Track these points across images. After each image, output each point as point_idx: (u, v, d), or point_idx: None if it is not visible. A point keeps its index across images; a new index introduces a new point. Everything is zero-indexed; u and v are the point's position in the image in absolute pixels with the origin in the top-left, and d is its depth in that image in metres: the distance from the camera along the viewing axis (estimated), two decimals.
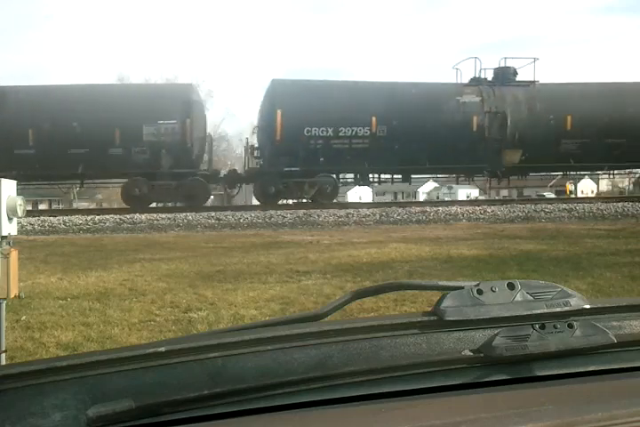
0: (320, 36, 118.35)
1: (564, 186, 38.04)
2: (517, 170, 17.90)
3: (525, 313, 0.81)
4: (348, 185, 19.77)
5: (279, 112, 15.96)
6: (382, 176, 18.29)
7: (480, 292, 0.82)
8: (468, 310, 0.80)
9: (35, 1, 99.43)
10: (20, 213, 3.14)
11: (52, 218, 14.44)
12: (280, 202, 17.40)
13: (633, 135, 16.80)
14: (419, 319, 0.81)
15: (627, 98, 17.27)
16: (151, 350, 0.74)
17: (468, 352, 0.79)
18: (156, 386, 0.72)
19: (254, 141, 18.73)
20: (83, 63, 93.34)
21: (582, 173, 22.29)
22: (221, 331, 0.94)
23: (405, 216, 14.69)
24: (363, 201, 31.27)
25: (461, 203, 18.48)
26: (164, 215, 14.55)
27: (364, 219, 14.47)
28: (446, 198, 42.36)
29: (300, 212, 14.87)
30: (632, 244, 8.93)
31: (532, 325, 0.81)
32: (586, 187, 49.28)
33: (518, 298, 0.82)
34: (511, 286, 0.83)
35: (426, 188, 59.54)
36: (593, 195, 41.56)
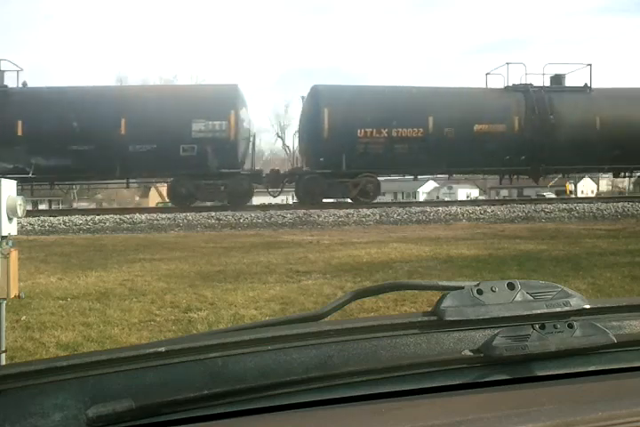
0: (320, 37, 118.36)
1: (564, 186, 38.05)
2: None
3: (525, 313, 0.81)
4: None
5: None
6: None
7: (480, 292, 0.82)
8: (468, 310, 0.80)
9: (35, 1, 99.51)
10: (19, 213, 3.14)
11: (51, 218, 14.42)
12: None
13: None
14: (419, 319, 0.81)
15: None
16: (151, 350, 0.74)
17: (467, 352, 0.79)
18: (156, 386, 0.72)
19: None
20: (82, 63, 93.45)
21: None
22: (221, 331, 0.94)
23: (405, 216, 14.69)
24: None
25: (461, 203, 18.49)
26: (163, 215, 14.55)
27: (363, 219, 14.46)
28: (446, 198, 42.36)
29: (300, 212, 14.87)
30: (632, 244, 8.93)
31: (531, 325, 0.81)
32: (586, 187, 49.28)
33: (518, 298, 0.82)
34: (511, 286, 0.83)
35: (426, 188, 59.55)
36: (593, 195, 41.55)
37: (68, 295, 5.95)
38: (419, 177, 19.64)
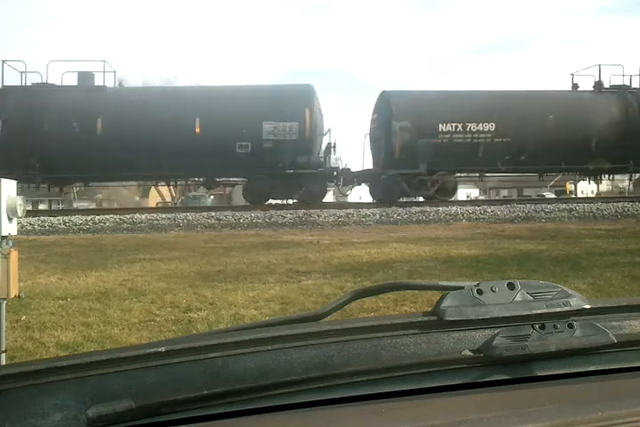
0: (320, 37, 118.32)
1: (564, 186, 38.00)
2: None
3: (525, 313, 0.81)
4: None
5: None
6: None
7: (480, 292, 0.82)
8: (468, 310, 0.80)
9: (35, 1, 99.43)
10: (19, 213, 3.14)
11: (51, 218, 14.41)
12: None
13: None
14: (419, 319, 0.81)
15: None
16: (151, 350, 0.74)
17: (468, 352, 0.79)
18: (156, 386, 0.72)
19: None
20: (82, 63, 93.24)
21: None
22: (221, 331, 0.94)
23: (405, 216, 14.68)
24: (363, 201, 31.24)
25: (461, 203, 18.48)
26: (163, 215, 14.55)
27: (363, 219, 14.46)
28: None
29: (300, 212, 14.87)
30: (632, 244, 8.93)
31: (532, 325, 0.81)
32: (586, 187, 49.20)
33: (518, 298, 0.82)
34: (511, 286, 0.83)
35: None
36: (593, 195, 41.50)
37: (68, 295, 5.95)
38: None
